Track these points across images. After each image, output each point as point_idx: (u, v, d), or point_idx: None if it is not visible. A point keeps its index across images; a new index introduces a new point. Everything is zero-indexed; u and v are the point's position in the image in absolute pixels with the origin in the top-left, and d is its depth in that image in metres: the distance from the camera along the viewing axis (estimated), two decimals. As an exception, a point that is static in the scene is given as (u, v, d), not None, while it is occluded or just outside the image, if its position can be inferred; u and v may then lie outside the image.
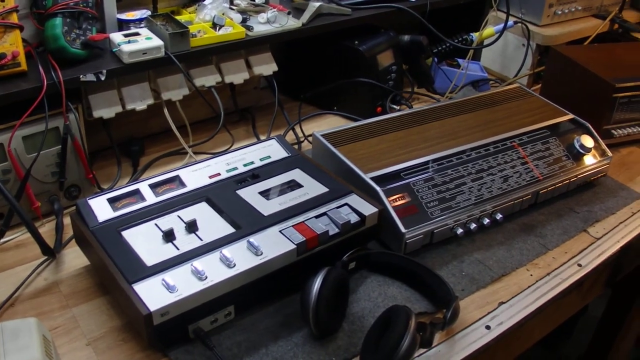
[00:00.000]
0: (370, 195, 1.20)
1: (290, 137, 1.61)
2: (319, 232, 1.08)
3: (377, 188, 1.20)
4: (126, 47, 1.32)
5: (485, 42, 1.90)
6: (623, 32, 2.18)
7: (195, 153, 1.51)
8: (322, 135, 1.36)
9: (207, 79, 1.49)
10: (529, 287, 1.20)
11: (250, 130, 1.65)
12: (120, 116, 1.40)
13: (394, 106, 1.68)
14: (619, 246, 1.35)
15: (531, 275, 1.23)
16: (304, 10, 1.60)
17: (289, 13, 1.58)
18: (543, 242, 1.31)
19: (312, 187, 1.20)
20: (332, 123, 1.69)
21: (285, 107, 1.70)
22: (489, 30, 1.87)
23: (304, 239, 1.07)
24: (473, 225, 1.26)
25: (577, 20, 2.09)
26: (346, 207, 1.15)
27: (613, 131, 1.67)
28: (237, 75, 1.53)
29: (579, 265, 1.27)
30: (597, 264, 1.29)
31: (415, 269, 1.15)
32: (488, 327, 1.10)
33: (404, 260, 1.17)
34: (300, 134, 1.62)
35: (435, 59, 1.87)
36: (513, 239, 1.31)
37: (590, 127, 1.52)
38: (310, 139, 1.59)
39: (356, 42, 1.63)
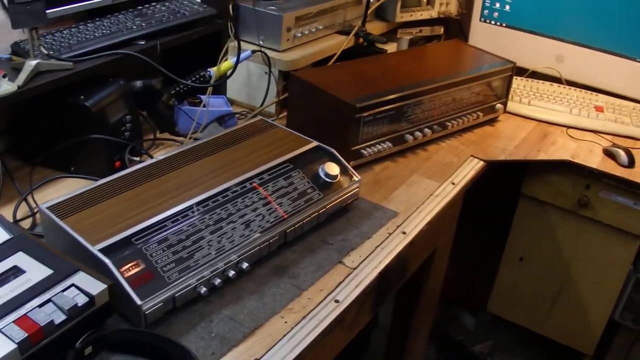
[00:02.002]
0: (99, 269, 1.11)
1: (26, 208, 1.48)
2: (42, 324, 0.98)
3: (106, 260, 1.11)
4: None
5: (227, 75, 1.85)
6: (368, 45, 2.20)
7: None
8: (49, 207, 1.24)
9: None
10: (284, 336, 1.15)
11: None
12: None
13: (134, 158, 1.59)
14: (376, 272, 1.33)
15: (286, 322, 1.18)
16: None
17: (4, 76, 1.45)
18: (296, 282, 1.26)
19: (36, 271, 1.09)
20: (72, 186, 1.54)
21: (22, 174, 1.57)
22: (227, 63, 1.81)
23: (26, 335, 0.96)
24: (218, 281, 1.19)
25: (320, 39, 2.09)
26: (73, 288, 1.05)
27: (363, 151, 1.67)
28: (-49, 152, 1.39)
29: (336, 301, 1.24)
30: (356, 296, 1.26)
31: (155, 342, 1.08)
32: (242, 389, 1.05)
33: (141, 335, 1.09)
34: (33, 205, 1.47)
35: (176, 101, 1.79)
36: (265, 285, 1.25)
37: (335, 152, 1.49)
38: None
39: (82, 97, 1.51)
